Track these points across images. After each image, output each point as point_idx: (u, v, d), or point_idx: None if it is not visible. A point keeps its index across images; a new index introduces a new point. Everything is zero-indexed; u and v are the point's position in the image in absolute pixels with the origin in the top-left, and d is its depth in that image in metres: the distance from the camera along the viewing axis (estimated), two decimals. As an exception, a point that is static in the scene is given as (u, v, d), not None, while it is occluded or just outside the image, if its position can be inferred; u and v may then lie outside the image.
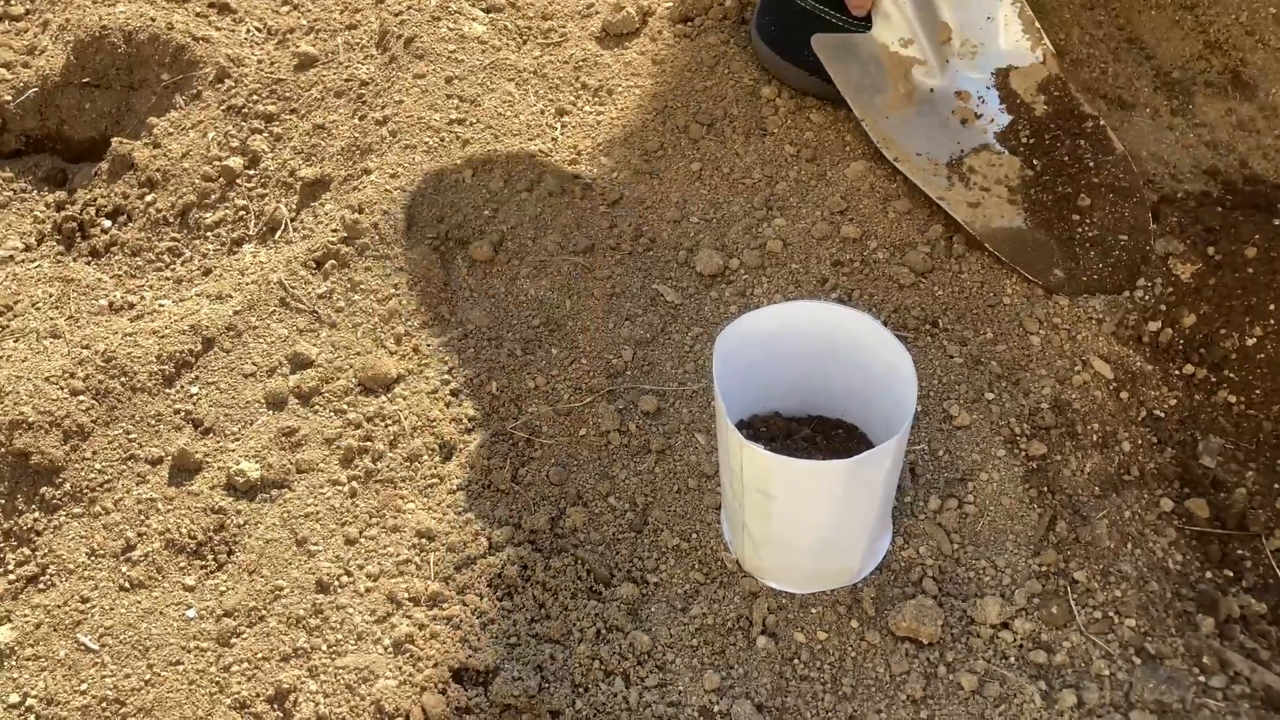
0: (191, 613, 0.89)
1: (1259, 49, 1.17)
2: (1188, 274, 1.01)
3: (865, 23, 1.12)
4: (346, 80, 1.24)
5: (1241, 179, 1.09)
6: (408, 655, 0.85)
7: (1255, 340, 0.98)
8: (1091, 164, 1.07)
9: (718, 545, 0.89)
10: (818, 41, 1.11)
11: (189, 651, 0.87)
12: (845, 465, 0.74)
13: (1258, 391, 0.97)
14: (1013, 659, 0.82)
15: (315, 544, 0.92)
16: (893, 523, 0.89)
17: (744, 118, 1.16)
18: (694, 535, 0.90)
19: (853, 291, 1.03)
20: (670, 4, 1.26)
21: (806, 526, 0.79)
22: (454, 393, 0.99)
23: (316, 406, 1.00)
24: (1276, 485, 0.91)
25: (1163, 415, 0.95)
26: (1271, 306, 0.99)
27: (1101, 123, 1.09)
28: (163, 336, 1.05)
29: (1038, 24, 1.11)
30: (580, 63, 1.23)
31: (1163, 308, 1.00)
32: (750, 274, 1.05)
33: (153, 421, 1.00)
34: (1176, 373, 0.98)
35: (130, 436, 0.99)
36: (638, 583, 0.88)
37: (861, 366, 0.83)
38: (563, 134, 1.18)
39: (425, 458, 0.96)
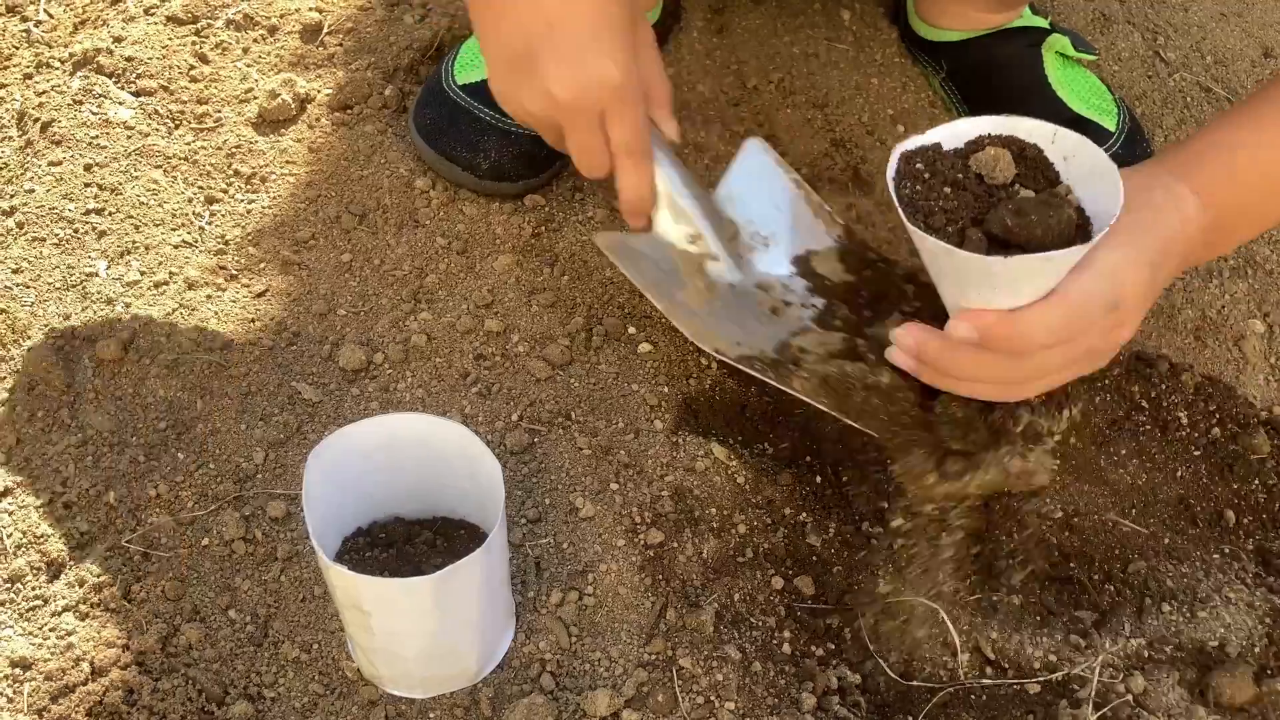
0: None
1: (877, 148, 1.28)
2: (801, 362, 1.09)
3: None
4: (-25, 165, 1.16)
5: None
6: (-10, 799, 0.80)
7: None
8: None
9: (340, 654, 0.88)
10: (602, 242, 1.00)
11: None
12: (431, 581, 0.75)
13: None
14: (621, 749, 0.85)
15: (-105, 682, 0.85)
16: (516, 618, 0.91)
17: (397, 209, 1.17)
18: (315, 645, 0.89)
19: (492, 385, 1.05)
20: (330, 91, 1.26)
21: (408, 638, 0.80)
22: (67, 505, 0.94)
23: (-92, 527, 0.93)
24: (868, 559, 0.98)
25: (777, 498, 1.02)
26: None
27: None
28: None
29: (826, 206, 1.05)
30: (234, 149, 1.21)
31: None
32: (394, 369, 1.06)
33: None
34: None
35: None
36: (253, 699, 0.86)
37: (470, 473, 0.85)
38: (210, 223, 1.15)
39: (29, 578, 0.90)
